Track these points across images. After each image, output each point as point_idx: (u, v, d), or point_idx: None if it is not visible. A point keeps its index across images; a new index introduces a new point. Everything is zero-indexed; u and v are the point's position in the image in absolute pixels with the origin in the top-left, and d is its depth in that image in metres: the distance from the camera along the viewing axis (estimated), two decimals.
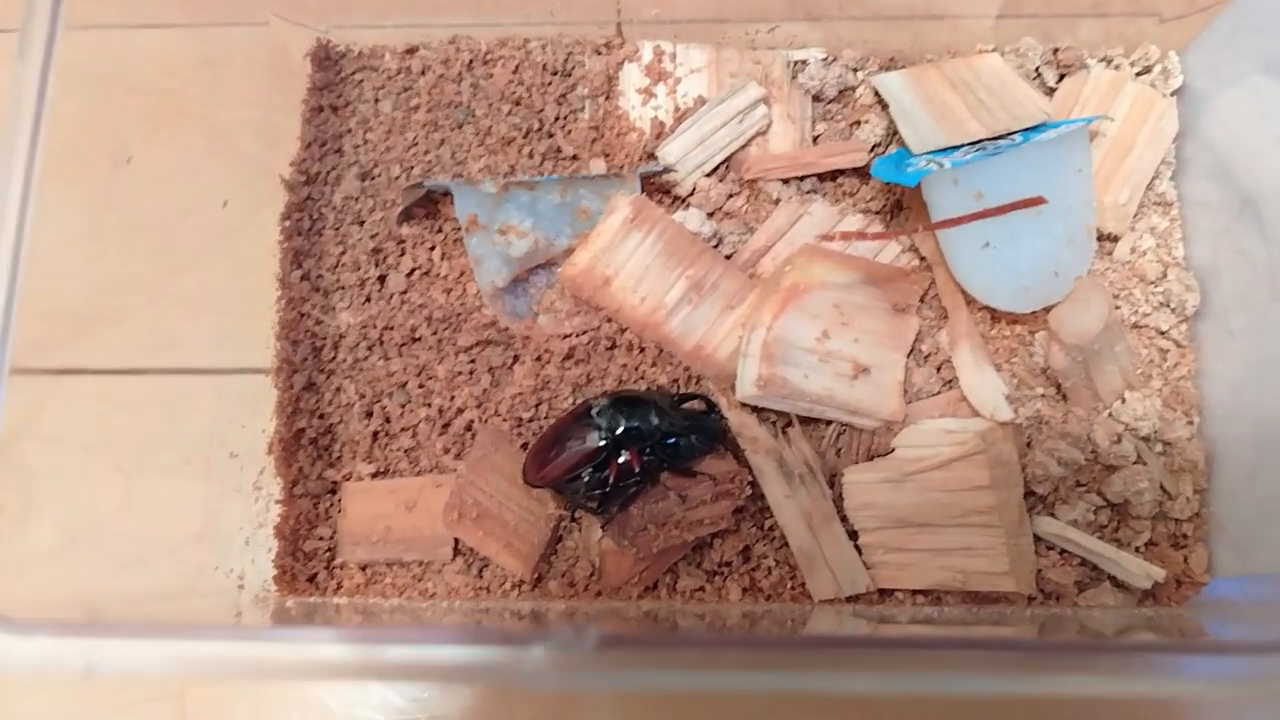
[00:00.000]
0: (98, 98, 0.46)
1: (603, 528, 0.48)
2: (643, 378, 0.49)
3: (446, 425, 0.49)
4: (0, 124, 0.36)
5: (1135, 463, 0.47)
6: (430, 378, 0.50)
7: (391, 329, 0.50)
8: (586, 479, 0.46)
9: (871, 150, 0.52)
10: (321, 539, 0.49)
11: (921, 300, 0.50)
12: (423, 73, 0.54)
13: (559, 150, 0.52)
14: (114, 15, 0.46)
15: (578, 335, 0.49)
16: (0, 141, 0.35)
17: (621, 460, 0.46)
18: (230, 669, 0.35)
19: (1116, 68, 0.52)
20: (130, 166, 0.47)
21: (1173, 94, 0.52)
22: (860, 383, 0.48)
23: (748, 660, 0.31)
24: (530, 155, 0.52)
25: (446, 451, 0.49)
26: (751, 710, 0.47)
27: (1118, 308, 0.50)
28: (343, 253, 0.52)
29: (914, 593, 0.47)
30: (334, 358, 0.51)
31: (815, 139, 0.53)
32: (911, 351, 0.49)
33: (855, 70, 0.53)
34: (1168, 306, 0.50)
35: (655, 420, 0.46)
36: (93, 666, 0.33)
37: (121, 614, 0.38)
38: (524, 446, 0.49)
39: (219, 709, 0.50)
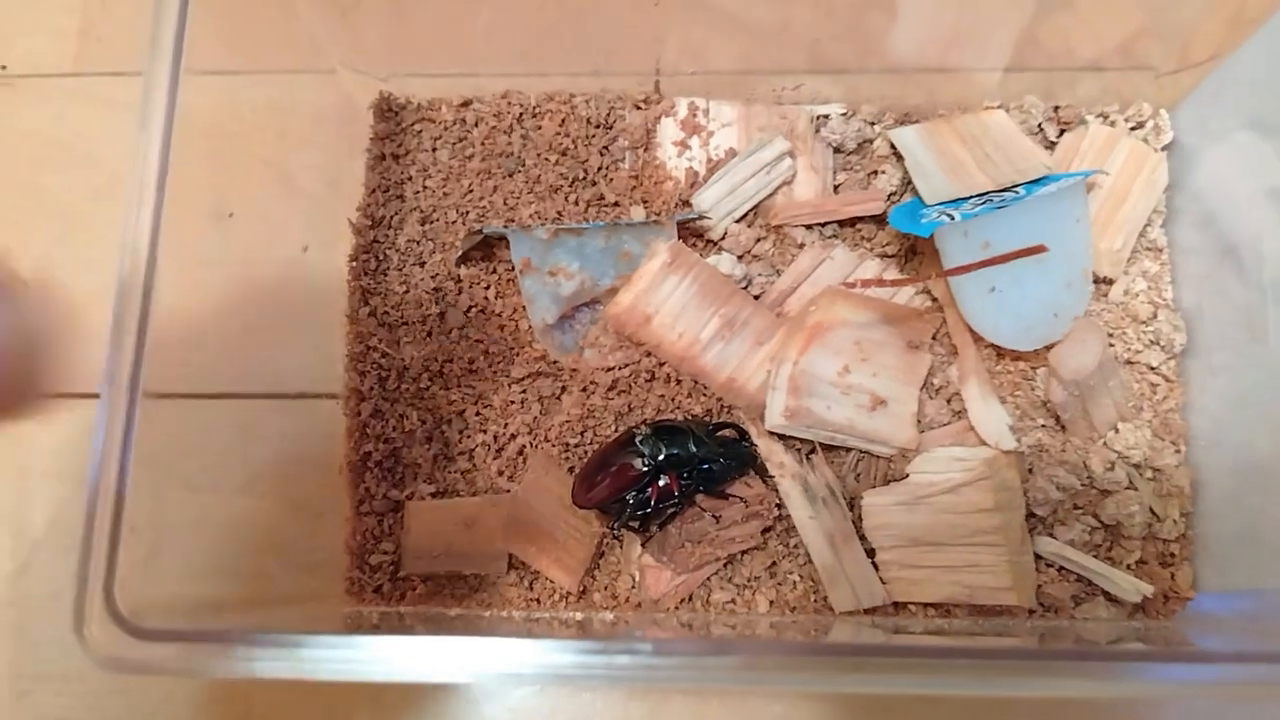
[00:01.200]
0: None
1: (643, 545, 0.53)
2: (679, 407, 0.54)
3: (501, 450, 0.54)
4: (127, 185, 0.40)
5: (1127, 488, 0.52)
6: (486, 406, 0.55)
7: (451, 361, 0.55)
8: (631, 501, 0.51)
9: (888, 198, 0.56)
10: (386, 553, 0.54)
11: (933, 338, 0.54)
12: (476, 124, 0.59)
13: (602, 197, 0.57)
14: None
15: (620, 368, 0.54)
16: (128, 201, 0.40)
17: (662, 484, 0.51)
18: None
19: (1112, 124, 0.57)
20: (204, 202, 0.51)
21: (1163, 149, 0.57)
22: (878, 414, 0.52)
23: (791, 665, 0.36)
24: (576, 202, 0.57)
25: (501, 474, 0.54)
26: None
27: (1112, 345, 0.54)
28: (406, 291, 0.56)
29: (926, 605, 0.52)
30: (398, 387, 0.55)
31: (836, 188, 0.57)
32: (924, 385, 0.54)
33: (873, 124, 0.58)
34: (1157, 344, 0.54)
35: (693, 447, 0.50)
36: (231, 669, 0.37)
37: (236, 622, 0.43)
38: (571, 470, 0.53)
39: (285, 711, 0.54)
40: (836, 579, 0.51)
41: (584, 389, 0.54)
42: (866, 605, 0.51)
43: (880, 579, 0.51)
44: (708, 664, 0.37)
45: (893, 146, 0.57)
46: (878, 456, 0.53)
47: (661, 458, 0.50)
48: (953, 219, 0.51)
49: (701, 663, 0.37)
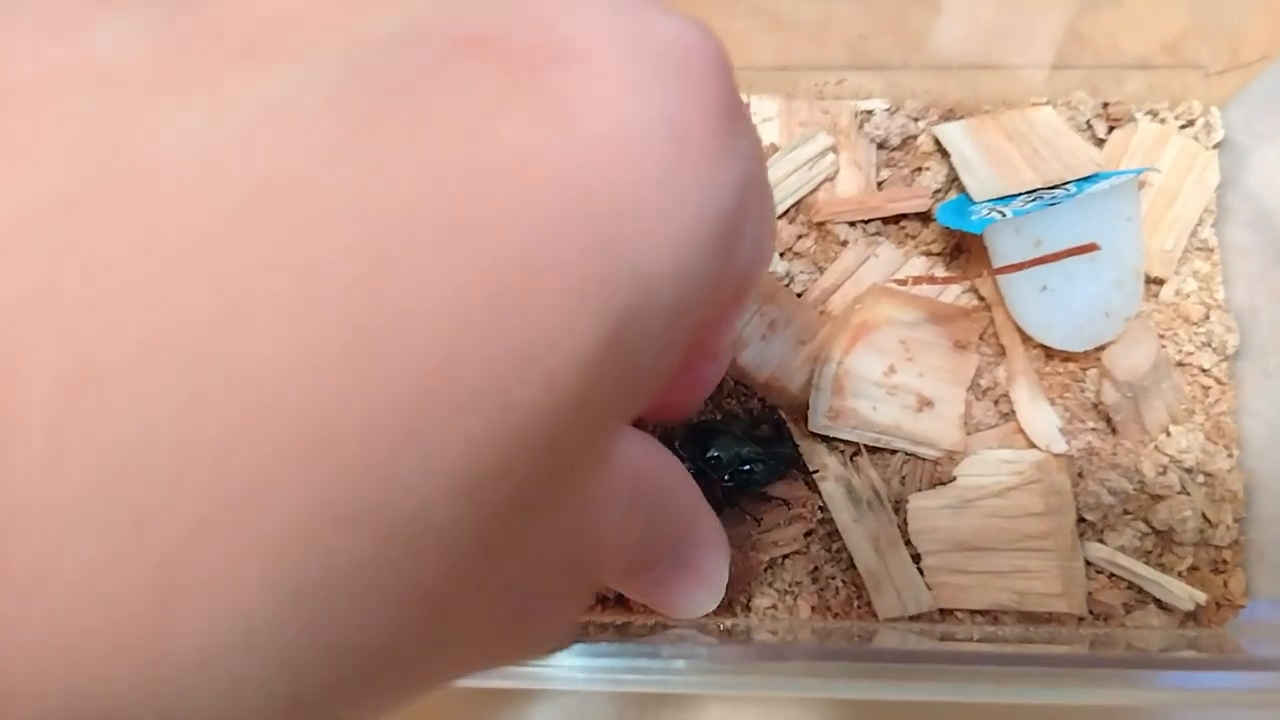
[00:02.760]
0: None
1: None
2: (719, 407, 0.53)
3: None
4: None
5: (1179, 493, 0.51)
6: None
7: None
8: None
9: (933, 195, 0.55)
10: None
11: (980, 338, 0.53)
12: None
13: None
14: None
15: None
16: None
17: (703, 487, 0.49)
18: None
19: (1162, 121, 0.56)
20: None
21: (1214, 147, 0.55)
22: (924, 415, 0.51)
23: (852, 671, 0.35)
24: None
25: None
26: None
27: (1163, 347, 0.53)
28: None
29: (973, 612, 0.51)
30: None
31: (880, 184, 0.56)
32: (971, 386, 0.52)
33: (917, 120, 0.57)
34: (1210, 346, 0.53)
35: (734, 448, 0.49)
36: None
37: None
38: None
39: None
40: (881, 584, 0.50)
41: None
42: (912, 611, 0.50)
43: (926, 585, 0.50)
44: (766, 669, 0.36)
45: (937, 143, 0.56)
46: (924, 459, 0.52)
47: (702, 460, 0.49)
48: (1004, 216, 0.50)
49: (760, 668, 0.36)
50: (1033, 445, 0.51)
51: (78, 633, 0.11)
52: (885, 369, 0.51)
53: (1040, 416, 0.51)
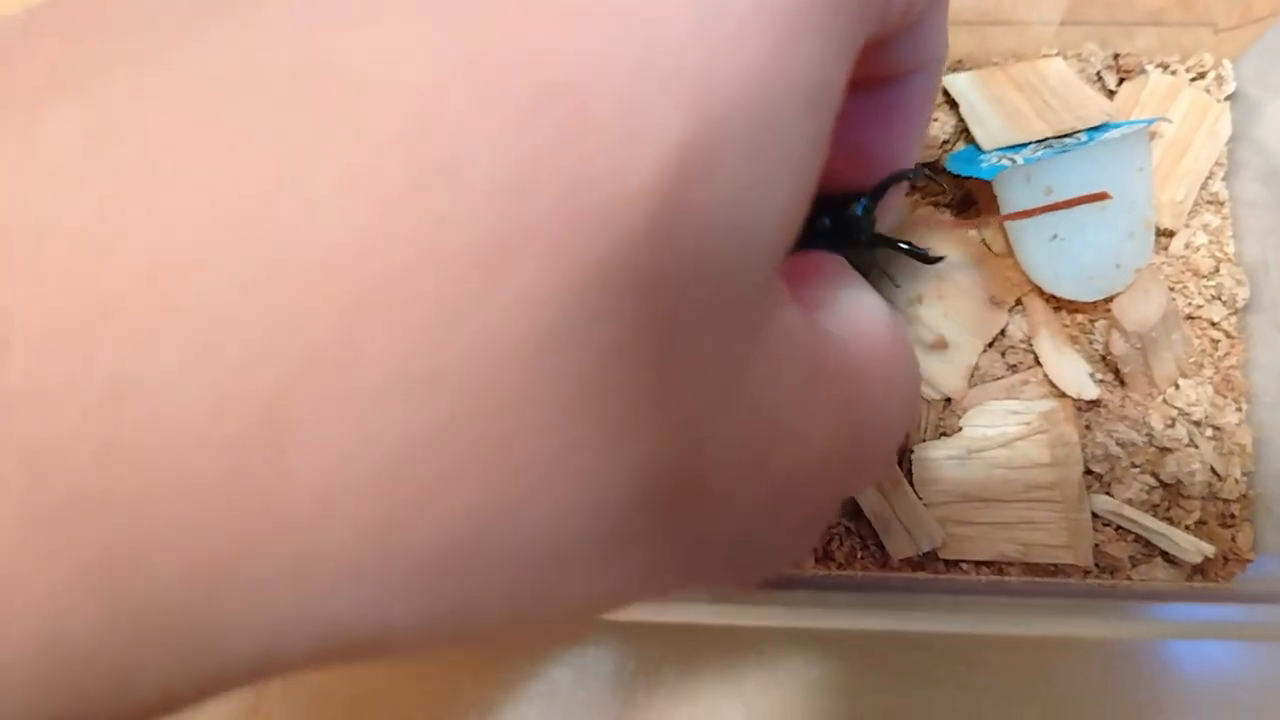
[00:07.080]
0: None
1: None
2: None
3: None
4: None
5: (1188, 445, 0.50)
6: None
7: None
8: None
9: (941, 147, 0.55)
10: None
11: (1018, 303, 0.52)
12: None
13: None
14: None
15: None
16: None
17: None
18: None
19: (1173, 74, 0.55)
20: None
21: (1226, 99, 0.55)
22: (935, 355, 0.50)
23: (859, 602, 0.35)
24: None
25: None
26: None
27: (1173, 299, 0.52)
28: None
29: (978, 564, 0.50)
30: None
31: None
32: (992, 342, 0.51)
33: None
34: (1219, 299, 0.52)
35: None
36: None
37: None
38: None
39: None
40: (890, 524, 0.49)
41: None
42: (925, 549, 0.49)
43: (936, 519, 0.49)
44: (761, 599, 0.35)
45: (945, 94, 0.55)
46: (924, 399, 0.51)
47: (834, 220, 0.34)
48: (1015, 163, 0.49)
49: (765, 596, 0.35)
50: (1050, 395, 0.51)
51: (195, 474, 0.12)
52: (913, 296, 0.50)
53: (1068, 365, 0.51)
